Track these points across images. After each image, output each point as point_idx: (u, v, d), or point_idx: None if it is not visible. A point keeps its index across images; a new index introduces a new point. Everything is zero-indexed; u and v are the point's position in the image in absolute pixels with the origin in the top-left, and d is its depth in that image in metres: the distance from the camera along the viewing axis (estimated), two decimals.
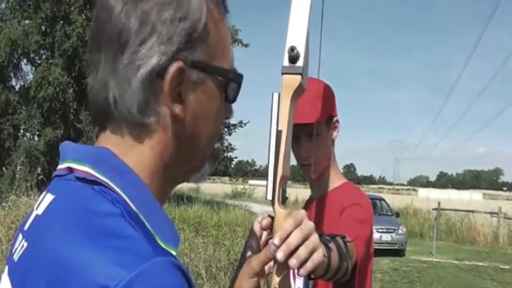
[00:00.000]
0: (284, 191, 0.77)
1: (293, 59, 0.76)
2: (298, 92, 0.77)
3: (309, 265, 0.72)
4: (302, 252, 0.71)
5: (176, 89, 0.61)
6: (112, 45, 0.61)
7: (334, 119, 1.54)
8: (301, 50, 0.75)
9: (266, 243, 0.83)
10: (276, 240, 0.71)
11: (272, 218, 0.78)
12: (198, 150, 0.68)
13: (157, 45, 0.60)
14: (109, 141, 0.64)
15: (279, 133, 0.75)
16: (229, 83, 0.68)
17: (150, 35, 0.60)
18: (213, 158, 0.71)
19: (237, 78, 0.68)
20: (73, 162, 0.62)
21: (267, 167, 0.76)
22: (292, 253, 0.71)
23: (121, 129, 0.63)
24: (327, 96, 1.50)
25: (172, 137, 0.64)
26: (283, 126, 0.76)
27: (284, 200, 0.77)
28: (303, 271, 0.72)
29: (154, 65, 0.60)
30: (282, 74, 0.77)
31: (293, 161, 1.53)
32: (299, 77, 0.76)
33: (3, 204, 8.89)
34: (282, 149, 0.75)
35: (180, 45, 0.61)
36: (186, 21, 0.61)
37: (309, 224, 0.73)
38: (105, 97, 0.62)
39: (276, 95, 0.77)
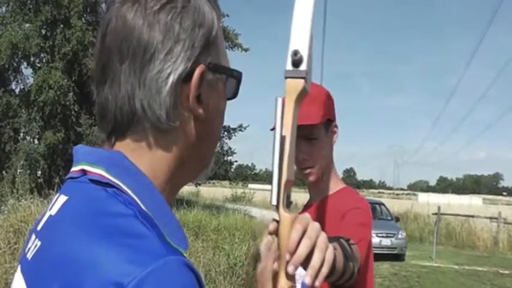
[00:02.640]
0: (289, 196, 0.77)
1: (296, 63, 0.75)
2: (302, 95, 0.77)
3: (325, 270, 0.72)
4: (315, 261, 0.71)
5: (198, 91, 0.65)
6: (137, 57, 0.62)
7: (333, 123, 1.54)
8: (304, 53, 0.75)
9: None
10: (287, 255, 0.71)
11: (277, 222, 0.77)
12: (212, 149, 0.72)
13: (183, 52, 0.63)
14: (128, 146, 0.65)
15: (283, 138, 0.75)
16: (229, 80, 0.71)
17: (176, 44, 0.63)
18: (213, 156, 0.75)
19: (238, 76, 0.72)
20: (87, 164, 0.64)
21: (272, 171, 0.75)
22: (302, 263, 0.71)
23: (144, 136, 0.64)
24: (325, 100, 1.51)
25: (193, 137, 0.66)
26: (287, 131, 0.75)
27: (288, 205, 0.76)
28: (320, 279, 0.72)
29: (182, 71, 0.63)
30: (285, 78, 0.76)
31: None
32: (302, 81, 0.75)
33: (2, 207, 8.87)
34: (287, 153, 0.75)
35: (200, 50, 0.65)
36: (203, 27, 0.65)
37: (315, 227, 0.74)
38: (131, 108, 0.63)
39: (279, 100, 0.76)
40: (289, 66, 0.76)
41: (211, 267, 6.91)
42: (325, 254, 0.73)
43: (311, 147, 1.48)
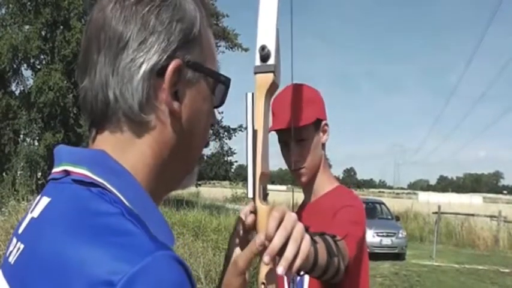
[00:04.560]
0: (265, 188, 0.78)
1: (264, 57, 0.77)
2: (272, 89, 0.78)
3: (298, 262, 0.73)
4: (289, 252, 0.72)
5: (174, 87, 0.64)
6: (112, 46, 0.63)
7: (323, 122, 1.54)
8: (271, 48, 0.76)
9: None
10: (259, 240, 0.73)
11: (255, 214, 0.79)
12: (192, 150, 0.70)
13: (157, 44, 0.63)
14: (107, 141, 0.65)
15: (254, 132, 0.77)
16: (218, 86, 0.70)
17: (151, 35, 0.63)
18: (199, 162, 0.73)
19: (226, 81, 0.71)
20: (69, 165, 0.63)
21: (246, 166, 0.78)
22: (278, 253, 0.73)
23: (120, 128, 0.64)
24: (314, 100, 1.51)
25: (171, 134, 0.65)
26: (259, 125, 0.77)
27: (265, 197, 0.78)
28: (293, 270, 0.73)
29: (155, 62, 0.62)
30: (255, 73, 0.78)
31: (285, 165, 1.54)
32: (271, 75, 0.77)
33: (3, 209, 8.87)
34: (260, 147, 0.76)
35: (178, 44, 0.64)
36: (183, 22, 0.65)
37: (291, 218, 0.74)
38: (105, 96, 0.63)
39: (249, 95, 0.78)
40: (257, 61, 0.78)
41: (211, 268, 6.90)
42: (300, 245, 0.74)
43: (302, 148, 1.48)
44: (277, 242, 0.72)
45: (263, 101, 0.77)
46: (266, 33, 0.77)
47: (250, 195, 0.77)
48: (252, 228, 0.79)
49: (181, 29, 0.64)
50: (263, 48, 0.76)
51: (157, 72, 0.63)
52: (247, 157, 0.77)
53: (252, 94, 0.78)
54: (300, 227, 0.75)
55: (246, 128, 0.78)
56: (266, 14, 0.78)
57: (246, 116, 0.78)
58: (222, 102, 0.72)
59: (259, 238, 0.74)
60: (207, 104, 0.70)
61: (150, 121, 0.64)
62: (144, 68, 0.62)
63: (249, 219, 0.79)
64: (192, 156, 0.71)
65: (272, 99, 0.84)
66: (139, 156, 0.64)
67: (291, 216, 0.75)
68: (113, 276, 0.50)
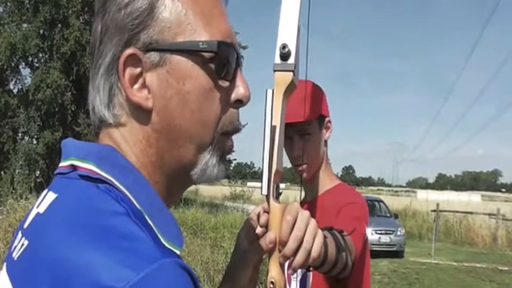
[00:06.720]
0: (278, 186, 0.78)
1: (285, 56, 0.77)
2: (290, 88, 0.79)
3: (314, 253, 0.77)
4: (301, 254, 0.75)
5: (135, 77, 0.60)
6: (93, 63, 0.63)
7: (326, 119, 1.54)
8: (292, 47, 0.77)
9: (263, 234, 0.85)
10: (269, 238, 0.75)
11: (268, 212, 0.80)
12: (183, 138, 0.63)
13: (109, 40, 0.60)
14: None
15: (272, 129, 0.77)
16: (216, 57, 0.62)
17: (105, 34, 0.61)
18: (216, 149, 0.65)
19: (219, 49, 0.61)
20: (76, 159, 0.61)
21: (262, 162, 0.77)
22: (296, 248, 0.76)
23: (108, 134, 0.64)
24: (317, 96, 1.51)
25: (150, 128, 0.62)
26: (277, 123, 0.77)
27: (278, 195, 0.78)
28: (315, 257, 0.77)
29: (110, 60, 0.60)
30: (274, 71, 0.78)
31: (288, 163, 1.53)
32: (291, 74, 0.77)
33: (1, 208, 8.86)
34: (276, 144, 0.77)
35: (130, 32, 0.60)
36: (133, 4, 0.60)
37: (304, 215, 0.77)
38: (91, 107, 0.64)
39: (269, 92, 0.78)
40: (277, 59, 0.78)
41: (210, 266, 6.91)
42: (313, 244, 0.77)
43: (305, 143, 1.48)
44: (291, 246, 0.75)
45: (281, 98, 0.78)
46: (287, 32, 0.77)
47: (265, 192, 0.77)
48: (265, 227, 0.80)
49: (129, 13, 0.59)
50: (284, 46, 0.76)
51: (116, 70, 0.60)
52: (264, 153, 0.77)
53: (272, 91, 0.78)
54: (313, 225, 0.77)
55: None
56: (288, 14, 0.78)
57: (265, 112, 0.78)
58: (224, 74, 0.63)
59: (269, 236, 0.75)
60: (193, 82, 0.61)
61: (125, 122, 0.62)
62: (101, 70, 0.61)
63: (263, 218, 0.80)
64: (185, 143, 0.63)
65: None
66: (130, 156, 0.62)
67: (304, 213, 0.77)
68: (115, 283, 0.48)
